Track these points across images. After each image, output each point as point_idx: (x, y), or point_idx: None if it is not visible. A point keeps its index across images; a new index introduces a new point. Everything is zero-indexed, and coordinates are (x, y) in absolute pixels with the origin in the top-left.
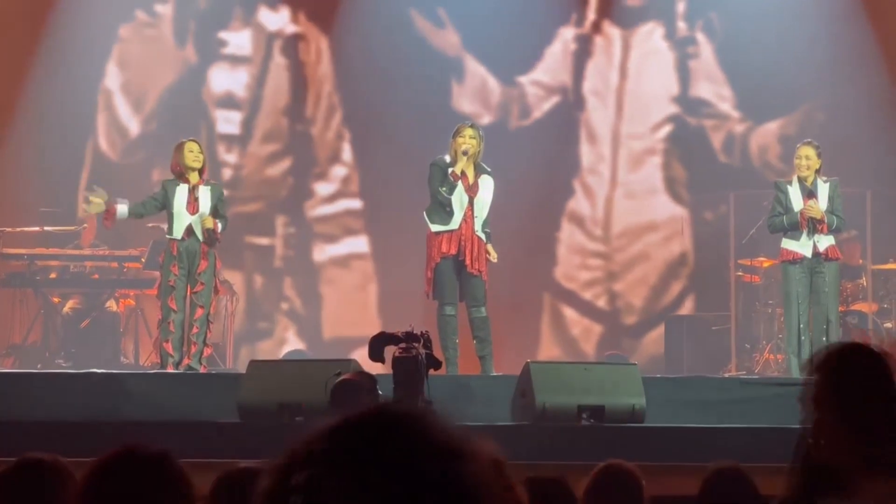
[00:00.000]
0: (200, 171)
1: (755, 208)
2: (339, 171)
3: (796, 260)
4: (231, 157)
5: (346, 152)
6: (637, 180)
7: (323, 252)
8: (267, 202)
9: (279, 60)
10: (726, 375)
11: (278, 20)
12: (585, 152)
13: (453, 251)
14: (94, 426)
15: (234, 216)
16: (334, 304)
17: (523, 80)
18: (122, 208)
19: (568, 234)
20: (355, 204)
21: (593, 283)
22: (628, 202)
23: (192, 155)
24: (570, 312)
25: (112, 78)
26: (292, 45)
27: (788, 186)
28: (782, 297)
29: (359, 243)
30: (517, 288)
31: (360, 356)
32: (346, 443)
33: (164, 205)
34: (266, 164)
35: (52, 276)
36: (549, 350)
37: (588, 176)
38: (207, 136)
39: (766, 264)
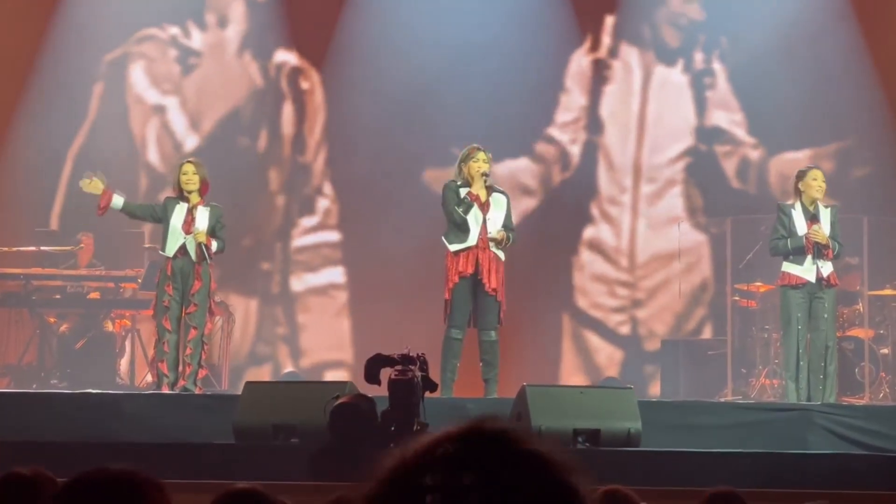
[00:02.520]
0: (200, 192)
1: (751, 233)
2: (323, 203)
3: (798, 285)
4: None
5: (328, 186)
6: (658, 209)
7: (304, 281)
8: (265, 230)
9: (285, 90)
10: (722, 400)
11: (281, 51)
12: (603, 178)
13: (470, 270)
14: (89, 447)
15: (234, 243)
16: (314, 331)
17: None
18: (119, 199)
19: (588, 260)
20: (333, 236)
21: (615, 310)
22: (649, 231)
23: (185, 177)
24: (591, 338)
25: (110, 100)
26: (294, 76)
27: (792, 210)
28: (781, 321)
29: (335, 273)
30: (536, 313)
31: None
32: (480, 448)
33: (160, 218)
34: (265, 193)
35: (56, 296)
36: (569, 376)
37: (608, 205)
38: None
39: (762, 289)
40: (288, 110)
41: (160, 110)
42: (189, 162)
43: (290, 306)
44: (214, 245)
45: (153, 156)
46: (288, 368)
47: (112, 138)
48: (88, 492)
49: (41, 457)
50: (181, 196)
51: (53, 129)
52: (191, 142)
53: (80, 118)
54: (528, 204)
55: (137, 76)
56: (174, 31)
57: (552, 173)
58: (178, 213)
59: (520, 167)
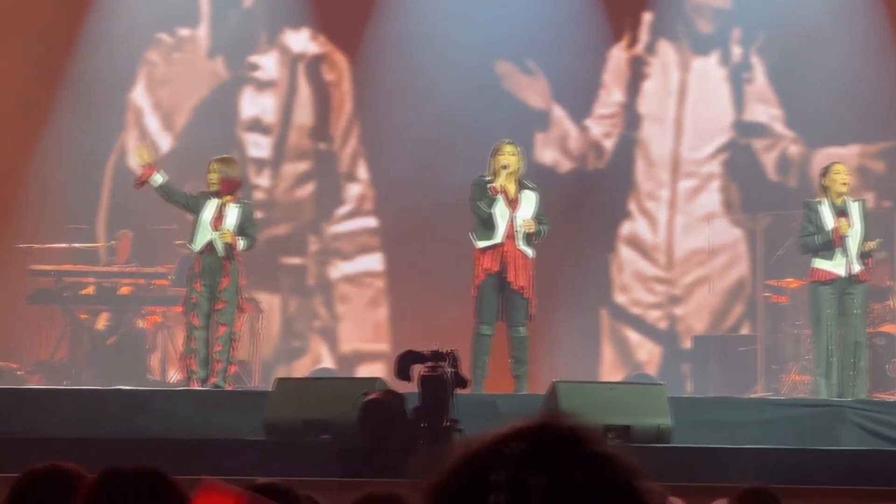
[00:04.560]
0: (222, 190)
1: (783, 229)
2: (355, 189)
3: (828, 280)
4: (261, 181)
5: (363, 170)
6: (696, 205)
7: (340, 270)
8: (297, 223)
9: (304, 81)
10: (753, 396)
11: (301, 41)
12: (641, 174)
13: (496, 268)
14: (120, 443)
15: (267, 238)
16: (351, 322)
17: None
18: (158, 176)
19: (625, 256)
20: (371, 222)
21: (653, 306)
22: (687, 227)
23: (209, 176)
24: (630, 334)
25: (141, 98)
26: (315, 65)
27: (819, 206)
28: (811, 318)
29: (373, 261)
30: (570, 309)
31: (371, 370)
32: (549, 448)
33: (192, 209)
34: (295, 185)
35: (89, 291)
36: (608, 373)
37: (646, 200)
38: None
39: (793, 285)
40: (309, 100)
41: (138, 114)
42: (214, 160)
43: (327, 296)
44: (242, 243)
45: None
46: (322, 363)
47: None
48: (113, 488)
49: (72, 453)
50: (214, 192)
51: (91, 129)
52: (165, 142)
53: (118, 125)
54: (564, 200)
55: (141, 83)
56: (185, 32)
57: (589, 170)
58: (209, 209)
59: (556, 163)
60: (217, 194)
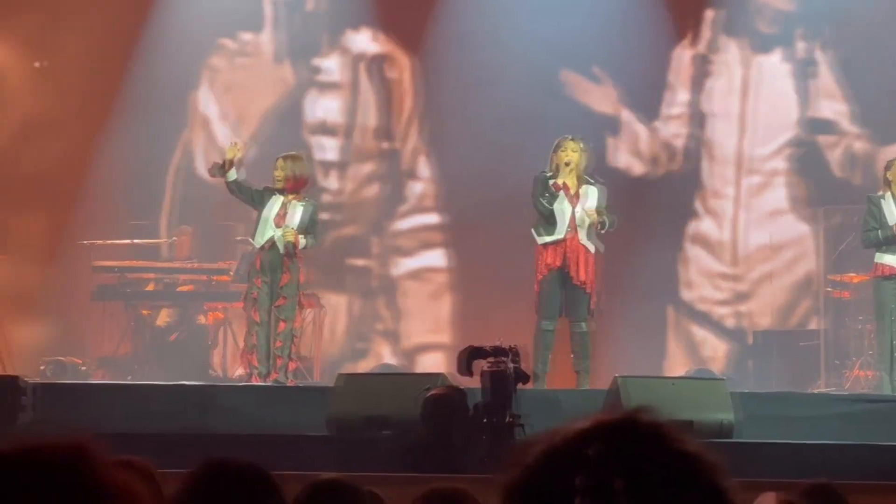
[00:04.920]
0: (287, 188)
1: (848, 224)
2: (417, 187)
3: (892, 275)
4: (329, 183)
5: (424, 168)
6: (761, 201)
7: (403, 266)
8: (363, 224)
9: (367, 82)
10: (816, 392)
11: (362, 41)
12: (706, 172)
13: (558, 263)
14: (182, 438)
15: (335, 239)
16: (413, 318)
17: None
18: (234, 172)
19: (692, 253)
20: (433, 219)
21: (720, 303)
22: (753, 223)
23: (275, 173)
24: (696, 331)
25: (207, 104)
26: (377, 65)
27: (882, 200)
28: (874, 312)
29: (436, 257)
30: (634, 305)
31: (433, 366)
32: (632, 448)
33: (257, 204)
34: (361, 186)
35: (151, 287)
36: (673, 369)
37: (711, 198)
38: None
39: (856, 279)
40: (373, 101)
41: (206, 122)
42: (281, 157)
43: (390, 295)
44: (304, 241)
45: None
46: (385, 359)
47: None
48: (216, 480)
49: (135, 448)
50: (279, 189)
51: (153, 128)
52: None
53: (180, 125)
54: (631, 197)
55: (204, 89)
56: (248, 37)
57: (656, 168)
58: (272, 206)
59: (621, 161)
60: (282, 191)
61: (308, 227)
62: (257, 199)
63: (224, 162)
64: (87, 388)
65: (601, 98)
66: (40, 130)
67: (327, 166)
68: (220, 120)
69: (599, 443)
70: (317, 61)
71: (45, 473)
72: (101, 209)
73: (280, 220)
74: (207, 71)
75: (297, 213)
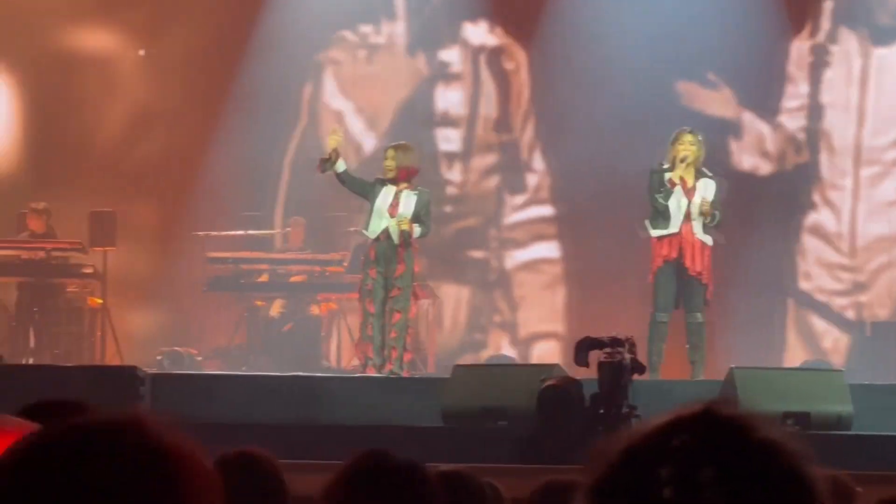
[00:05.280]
0: (398, 178)
1: None
2: (532, 179)
3: None
4: (452, 175)
5: (539, 159)
6: (879, 191)
7: (517, 258)
8: (481, 215)
9: (486, 74)
10: None
11: (480, 34)
12: (825, 163)
13: (674, 254)
14: (297, 429)
15: (456, 231)
16: (528, 309)
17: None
18: (342, 163)
19: (810, 245)
20: (547, 210)
21: (839, 294)
22: (871, 214)
23: (385, 164)
24: (816, 322)
25: (332, 96)
26: (495, 57)
27: None
28: None
29: (549, 248)
30: (749, 296)
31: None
32: (716, 438)
33: (367, 195)
34: (481, 178)
35: (264, 278)
36: (791, 360)
37: (829, 190)
38: (430, 152)
39: None
40: (493, 93)
41: (339, 116)
42: (390, 147)
43: (506, 286)
44: (418, 230)
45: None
46: (503, 350)
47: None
48: (376, 474)
49: (251, 438)
50: (390, 179)
51: (268, 120)
52: (369, 142)
53: (293, 117)
54: (748, 189)
55: (328, 82)
56: (366, 29)
57: (783, 163)
58: (385, 196)
59: (738, 154)
60: (393, 181)
61: (421, 215)
62: (368, 190)
63: (330, 154)
64: (203, 379)
65: (720, 103)
66: (151, 120)
67: (450, 157)
68: (354, 113)
69: (684, 434)
70: (441, 53)
71: (107, 438)
72: (213, 200)
73: (393, 210)
74: (330, 64)
75: (410, 201)
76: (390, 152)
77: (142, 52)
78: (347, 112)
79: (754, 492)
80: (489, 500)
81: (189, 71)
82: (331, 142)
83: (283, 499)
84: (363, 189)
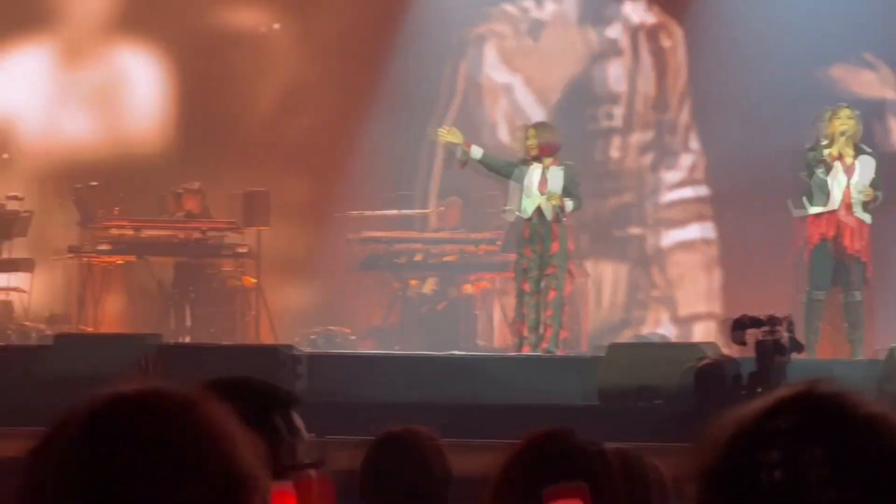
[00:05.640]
0: (541, 155)
1: None
2: (688, 159)
3: None
4: (611, 152)
5: (695, 139)
6: None
7: (673, 237)
8: (637, 192)
9: (645, 52)
10: None
11: (638, 11)
12: None
13: (831, 233)
14: (453, 408)
15: (610, 208)
16: (684, 287)
17: None
18: (477, 150)
19: None
20: (702, 191)
21: None
22: None
23: (528, 142)
24: None
25: (494, 70)
26: (653, 35)
27: None
28: None
29: (704, 228)
30: None
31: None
32: (821, 416)
33: (510, 176)
34: (638, 154)
35: (417, 258)
36: None
37: None
38: (593, 129)
39: None
40: (651, 70)
41: (508, 89)
42: (531, 126)
43: (661, 265)
44: (570, 204)
45: (503, 135)
46: (658, 328)
47: (477, 117)
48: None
49: (405, 418)
50: (534, 157)
51: (420, 102)
52: (538, 117)
53: (448, 95)
54: None
55: (490, 55)
56: (527, 3)
57: None
58: (532, 175)
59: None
60: (538, 158)
61: (571, 189)
62: (512, 171)
63: (458, 148)
64: (360, 358)
65: (876, 84)
66: (303, 99)
67: (610, 133)
68: (523, 85)
69: (789, 415)
70: (606, 30)
71: (161, 411)
72: (365, 179)
73: (543, 187)
74: (493, 37)
75: (558, 177)
76: (531, 131)
77: (277, 26)
78: (515, 85)
79: (862, 468)
80: (654, 480)
81: (341, 48)
82: (453, 139)
83: (447, 477)
84: (508, 170)
